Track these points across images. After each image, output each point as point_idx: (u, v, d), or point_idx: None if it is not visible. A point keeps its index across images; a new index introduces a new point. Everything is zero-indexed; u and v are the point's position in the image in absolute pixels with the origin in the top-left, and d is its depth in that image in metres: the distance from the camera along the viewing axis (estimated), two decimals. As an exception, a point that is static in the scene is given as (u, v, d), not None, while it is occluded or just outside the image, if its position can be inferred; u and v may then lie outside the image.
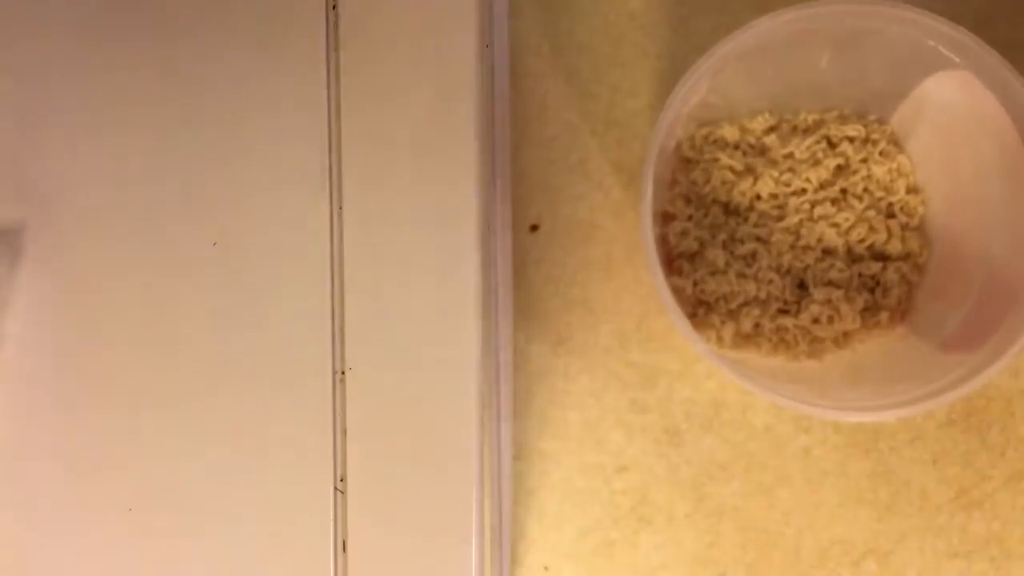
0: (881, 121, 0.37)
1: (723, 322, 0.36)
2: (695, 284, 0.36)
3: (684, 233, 0.37)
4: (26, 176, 0.31)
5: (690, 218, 0.37)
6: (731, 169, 0.37)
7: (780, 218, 0.37)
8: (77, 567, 0.30)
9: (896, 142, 0.37)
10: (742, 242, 0.37)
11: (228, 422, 0.30)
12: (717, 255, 0.36)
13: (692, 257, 0.37)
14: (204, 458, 0.30)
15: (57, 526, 0.30)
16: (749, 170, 0.37)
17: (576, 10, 0.39)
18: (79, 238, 0.30)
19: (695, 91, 0.35)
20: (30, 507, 0.30)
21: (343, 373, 0.29)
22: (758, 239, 0.37)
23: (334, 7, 0.30)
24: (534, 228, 0.39)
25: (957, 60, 0.33)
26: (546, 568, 0.39)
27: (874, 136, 0.37)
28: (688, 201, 0.37)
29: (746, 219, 0.37)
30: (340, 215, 0.29)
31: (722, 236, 0.37)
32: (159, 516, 0.30)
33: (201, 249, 0.30)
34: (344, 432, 0.29)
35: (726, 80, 0.35)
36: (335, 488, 0.29)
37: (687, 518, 0.38)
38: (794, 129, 0.37)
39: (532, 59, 0.39)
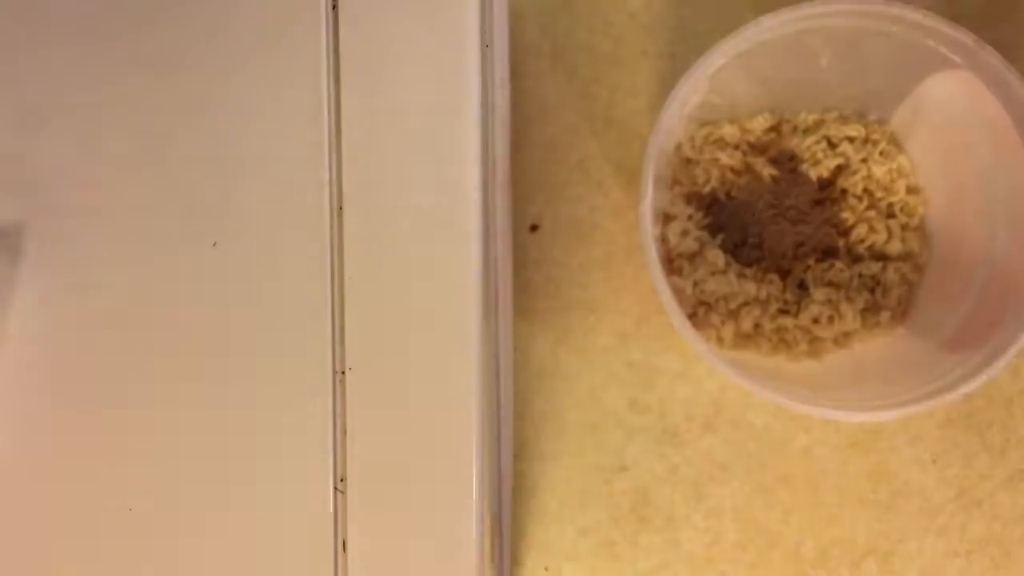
0: (881, 121, 0.37)
1: (723, 322, 0.36)
2: (695, 284, 0.36)
3: (684, 233, 0.36)
4: (26, 176, 0.31)
5: (690, 218, 0.37)
6: (731, 169, 0.37)
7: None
8: (77, 567, 0.30)
9: (896, 142, 0.37)
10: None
11: (228, 422, 0.30)
12: (717, 255, 0.36)
13: (692, 257, 0.37)
14: (204, 458, 0.30)
15: (57, 526, 0.30)
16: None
17: (576, 10, 0.39)
18: (79, 238, 0.30)
19: (695, 91, 0.35)
20: (30, 507, 0.30)
21: (343, 373, 0.29)
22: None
23: (334, 7, 0.30)
24: (534, 228, 0.39)
25: (957, 60, 0.33)
26: (546, 568, 0.39)
27: (874, 136, 0.37)
28: (688, 201, 0.37)
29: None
30: (340, 215, 0.29)
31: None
32: (159, 516, 0.30)
33: (201, 249, 0.30)
34: (344, 432, 0.29)
35: (726, 80, 0.35)
36: (335, 488, 0.29)
37: (687, 518, 0.38)
38: (794, 129, 0.37)
39: (532, 59, 0.39)
